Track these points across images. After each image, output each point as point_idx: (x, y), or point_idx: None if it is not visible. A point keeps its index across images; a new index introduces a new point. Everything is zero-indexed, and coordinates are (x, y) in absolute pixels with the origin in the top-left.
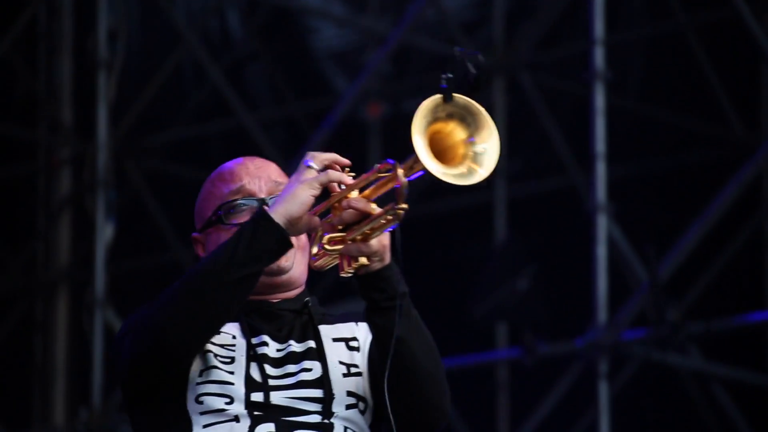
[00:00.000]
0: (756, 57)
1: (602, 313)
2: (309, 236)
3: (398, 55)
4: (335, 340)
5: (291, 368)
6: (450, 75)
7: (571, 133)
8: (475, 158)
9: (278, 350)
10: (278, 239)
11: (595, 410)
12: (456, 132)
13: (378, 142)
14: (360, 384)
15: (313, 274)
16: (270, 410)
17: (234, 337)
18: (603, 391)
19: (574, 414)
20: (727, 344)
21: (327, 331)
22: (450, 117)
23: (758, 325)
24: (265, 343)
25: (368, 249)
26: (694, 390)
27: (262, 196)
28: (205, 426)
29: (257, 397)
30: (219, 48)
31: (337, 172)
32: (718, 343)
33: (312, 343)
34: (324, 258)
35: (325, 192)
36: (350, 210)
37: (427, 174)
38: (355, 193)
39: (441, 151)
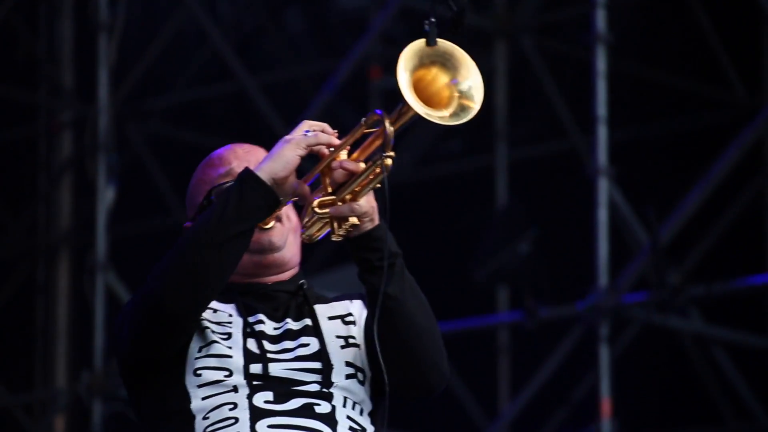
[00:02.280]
0: (758, 20)
1: (603, 277)
2: (299, 216)
3: (403, 18)
4: (331, 318)
5: (289, 344)
6: (433, 20)
7: (572, 96)
8: (463, 96)
9: (275, 328)
10: (264, 195)
11: (595, 374)
12: (439, 77)
13: (379, 106)
14: (358, 355)
15: (306, 253)
16: (269, 381)
17: (230, 316)
18: (604, 354)
19: (574, 377)
20: (727, 307)
21: (322, 310)
22: (431, 63)
23: (759, 288)
24: (261, 321)
25: (358, 208)
26: (695, 353)
27: None
28: (203, 398)
29: (256, 368)
30: (222, 14)
31: (326, 136)
32: (718, 306)
33: (308, 321)
34: (315, 224)
35: (315, 160)
36: (339, 171)
37: (420, 119)
38: (343, 155)
39: (428, 98)
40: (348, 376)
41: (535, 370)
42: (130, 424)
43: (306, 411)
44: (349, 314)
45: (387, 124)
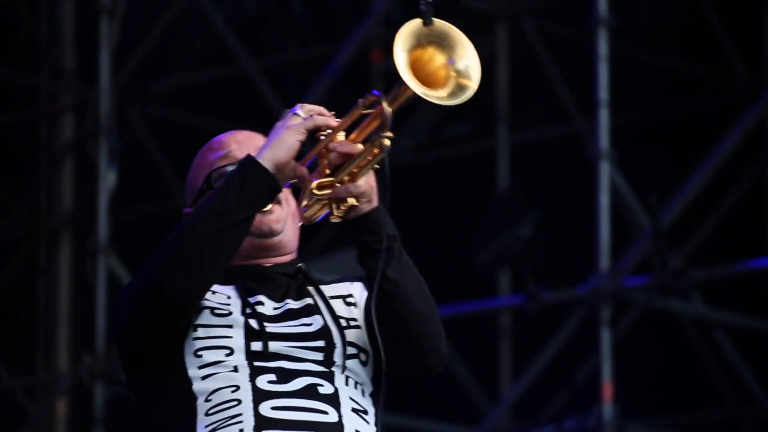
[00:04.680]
0: (759, 2)
1: (604, 260)
2: (298, 201)
3: (404, 1)
4: (332, 297)
5: (290, 323)
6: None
7: (573, 80)
8: (460, 75)
9: (275, 308)
10: (267, 182)
11: (597, 357)
12: (435, 57)
13: (381, 90)
14: (360, 336)
15: (304, 238)
16: (270, 359)
17: (229, 297)
18: (605, 337)
19: (576, 361)
20: (729, 290)
21: (324, 290)
22: (428, 43)
23: (760, 271)
24: (261, 303)
25: (356, 189)
26: (697, 336)
27: None
28: (203, 378)
29: (257, 346)
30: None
31: (323, 117)
32: (720, 290)
33: (309, 300)
34: (314, 206)
35: (313, 142)
36: (336, 152)
37: (418, 99)
38: (341, 136)
39: (425, 78)
40: (350, 356)
41: (536, 353)
42: (132, 407)
43: (309, 392)
44: (350, 295)
45: (384, 104)
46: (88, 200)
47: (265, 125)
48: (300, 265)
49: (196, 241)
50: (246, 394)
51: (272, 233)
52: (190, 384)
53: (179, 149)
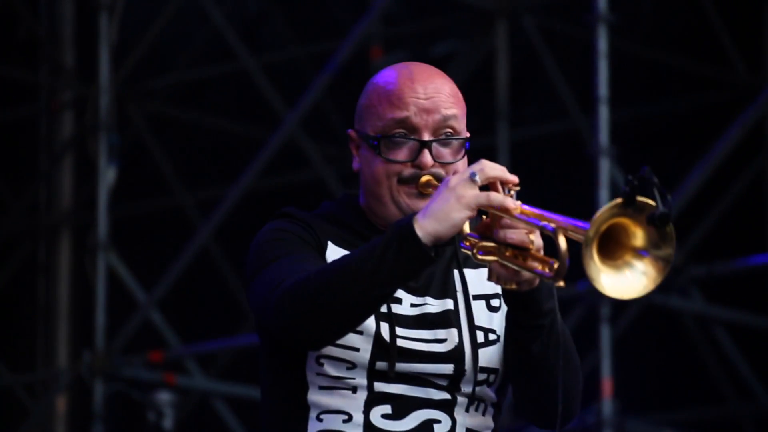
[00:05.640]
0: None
1: None
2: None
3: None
4: (476, 297)
5: (424, 334)
6: (636, 182)
7: (573, 76)
8: (631, 268)
9: (413, 305)
10: (422, 259)
11: (596, 354)
12: (636, 236)
13: None
14: (494, 354)
15: None
16: (392, 382)
17: None
18: (605, 334)
19: None
20: (729, 287)
21: (471, 279)
22: (640, 219)
23: (760, 268)
24: (398, 300)
25: (518, 278)
26: (696, 333)
27: (426, 136)
28: (321, 388)
29: (381, 366)
30: None
31: (500, 197)
32: (720, 286)
33: (450, 304)
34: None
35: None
36: (508, 233)
37: (583, 267)
38: (517, 211)
39: (609, 239)
40: (479, 383)
41: None
42: (131, 404)
43: (424, 430)
44: (495, 295)
45: (563, 252)
46: (87, 197)
47: (265, 122)
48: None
49: (335, 302)
50: (357, 430)
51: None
52: (306, 390)
53: (179, 146)
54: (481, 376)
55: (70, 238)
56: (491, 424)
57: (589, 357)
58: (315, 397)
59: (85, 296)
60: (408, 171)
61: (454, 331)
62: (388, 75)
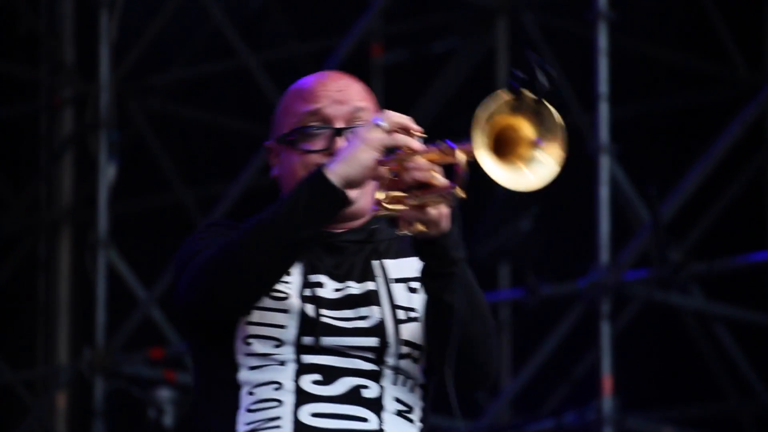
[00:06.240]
0: None
1: (604, 254)
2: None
3: None
4: (397, 280)
5: (347, 313)
6: (523, 75)
7: (573, 73)
8: (534, 162)
9: (336, 290)
10: (335, 201)
11: (596, 351)
12: (524, 128)
13: (381, 85)
14: (416, 330)
15: None
16: (319, 353)
17: (290, 275)
18: (605, 331)
19: (576, 355)
20: (729, 284)
21: (390, 267)
22: (523, 112)
23: (760, 264)
24: (321, 284)
25: (425, 216)
26: (696, 330)
27: (339, 125)
28: (250, 368)
29: (308, 341)
30: None
31: (405, 137)
32: (720, 283)
33: (371, 285)
34: (383, 211)
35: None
36: (413, 174)
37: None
38: (421, 158)
39: (502, 141)
40: (402, 356)
41: (536, 347)
42: (132, 401)
43: (352, 396)
44: (415, 278)
45: (461, 160)
46: (88, 194)
47: (265, 120)
48: (373, 227)
49: (254, 255)
50: (288, 396)
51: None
52: (236, 371)
53: (179, 143)
54: (404, 350)
55: (71, 235)
56: (420, 403)
57: (589, 354)
58: (245, 375)
59: (86, 293)
60: (325, 161)
61: (376, 308)
62: (301, 80)
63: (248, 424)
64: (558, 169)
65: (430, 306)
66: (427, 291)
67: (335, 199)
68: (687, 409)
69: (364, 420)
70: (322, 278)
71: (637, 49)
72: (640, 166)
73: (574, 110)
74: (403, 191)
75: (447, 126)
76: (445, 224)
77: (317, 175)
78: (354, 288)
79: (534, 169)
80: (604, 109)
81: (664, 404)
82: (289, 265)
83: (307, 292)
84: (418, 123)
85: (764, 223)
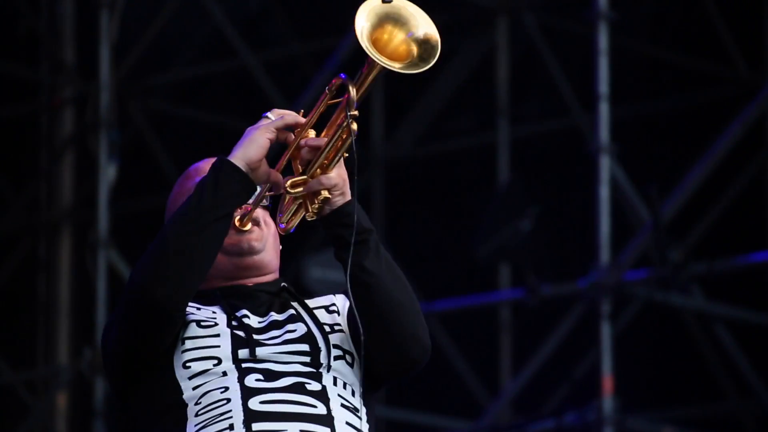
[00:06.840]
0: None
1: (605, 254)
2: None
3: None
4: (315, 308)
5: (275, 332)
6: None
7: (574, 74)
8: (422, 43)
9: (260, 321)
10: (240, 180)
11: (597, 351)
12: (395, 35)
13: (381, 85)
14: (344, 339)
15: (300, 237)
16: (257, 362)
17: (215, 312)
18: (605, 331)
19: (576, 354)
20: (729, 284)
21: (307, 302)
22: (386, 22)
23: (760, 265)
24: (246, 316)
25: (328, 181)
26: (697, 330)
27: None
28: (194, 388)
29: (244, 353)
30: None
31: (293, 114)
32: (720, 284)
33: (293, 311)
34: (289, 210)
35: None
36: (306, 149)
37: (388, 71)
38: (311, 134)
39: (388, 55)
40: (336, 358)
41: (536, 347)
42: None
43: (297, 388)
44: (333, 304)
45: (350, 87)
46: (88, 194)
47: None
48: (284, 284)
49: (178, 242)
50: (235, 393)
51: (252, 251)
52: (181, 393)
53: (179, 143)
54: (336, 352)
55: (71, 235)
56: (362, 407)
57: (590, 354)
58: (190, 393)
59: (86, 293)
60: None
61: (302, 324)
62: (191, 167)
63: (198, 425)
64: (438, 36)
65: (353, 282)
66: (345, 264)
67: (239, 177)
68: (687, 409)
69: (313, 406)
70: (245, 312)
71: (637, 49)
72: (640, 166)
73: (574, 110)
74: (303, 172)
75: (447, 126)
76: (348, 190)
77: (219, 160)
78: (277, 316)
79: (429, 38)
80: (604, 109)
81: (664, 404)
82: (213, 247)
83: (235, 323)
84: (419, 123)
85: (764, 223)
